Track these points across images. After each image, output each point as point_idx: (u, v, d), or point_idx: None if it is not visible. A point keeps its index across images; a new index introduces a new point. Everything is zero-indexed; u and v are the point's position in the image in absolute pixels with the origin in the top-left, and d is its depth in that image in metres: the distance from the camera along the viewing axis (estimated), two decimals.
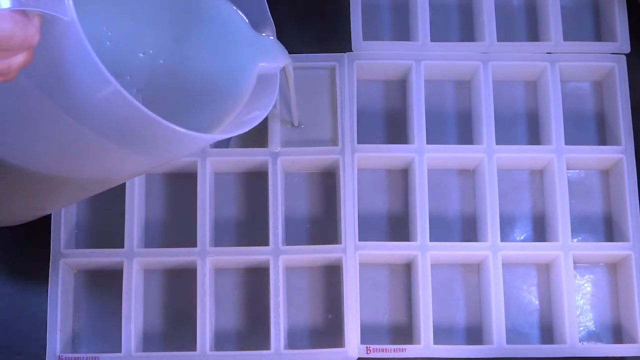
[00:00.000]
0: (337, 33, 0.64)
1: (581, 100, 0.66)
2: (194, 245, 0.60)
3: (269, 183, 0.61)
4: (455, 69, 0.64)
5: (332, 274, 0.62)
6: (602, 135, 0.65)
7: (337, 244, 0.61)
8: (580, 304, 0.62)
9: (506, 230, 0.63)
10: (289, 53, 0.63)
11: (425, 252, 0.60)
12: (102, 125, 0.39)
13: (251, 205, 0.63)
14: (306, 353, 0.59)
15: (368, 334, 0.61)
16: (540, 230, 0.64)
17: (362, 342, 0.59)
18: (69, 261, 0.60)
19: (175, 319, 0.61)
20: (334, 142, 0.62)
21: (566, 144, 0.63)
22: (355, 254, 0.60)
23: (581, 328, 0.62)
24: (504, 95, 0.65)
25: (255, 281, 0.62)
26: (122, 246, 0.60)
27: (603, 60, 0.64)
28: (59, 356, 0.59)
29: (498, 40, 0.64)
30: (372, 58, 0.63)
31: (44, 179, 0.44)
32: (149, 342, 0.61)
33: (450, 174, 0.64)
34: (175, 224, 0.63)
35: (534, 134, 0.65)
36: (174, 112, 0.46)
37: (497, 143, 0.62)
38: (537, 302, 0.63)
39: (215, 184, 0.63)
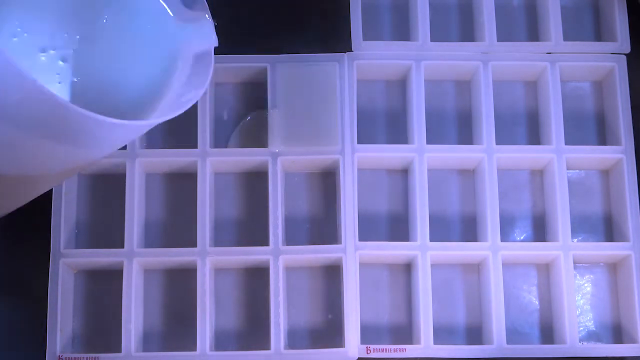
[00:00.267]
0: (337, 33, 0.64)
1: (581, 100, 0.66)
2: (194, 245, 0.60)
3: (269, 183, 0.61)
4: (455, 69, 0.64)
5: (332, 274, 0.62)
6: (602, 135, 0.65)
7: (337, 244, 0.61)
8: (580, 304, 0.62)
9: (506, 230, 0.63)
10: (289, 53, 0.64)
11: (425, 252, 0.60)
12: (28, 123, 0.38)
13: (251, 205, 0.63)
14: (306, 353, 0.59)
15: (368, 334, 0.61)
16: (540, 230, 0.64)
17: (362, 342, 0.59)
18: (69, 261, 0.60)
19: (175, 319, 0.61)
20: (333, 142, 0.62)
21: (566, 144, 0.63)
22: (355, 254, 0.60)
23: (581, 328, 0.62)
24: (504, 95, 0.65)
25: (255, 281, 0.62)
26: (122, 246, 0.60)
27: (603, 60, 0.64)
28: (59, 356, 0.59)
29: (498, 40, 0.64)
30: (372, 58, 0.63)
31: None
32: (149, 342, 0.61)
33: (450, 174, 0.64)
34: (175, 224, 0.63)
35: (534, 134, 0.65)
36: (104, 102, 0.46)
37: (497, 143, 0.62)
38: (537, 302, 0.63)
39: (215, 184, 0.63)
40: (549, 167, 0.63)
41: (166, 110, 0.46)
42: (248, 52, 0.63)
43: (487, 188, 0.62)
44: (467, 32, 0.66)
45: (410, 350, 0.59)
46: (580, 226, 0.64)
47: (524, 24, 0.67)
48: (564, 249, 0.61)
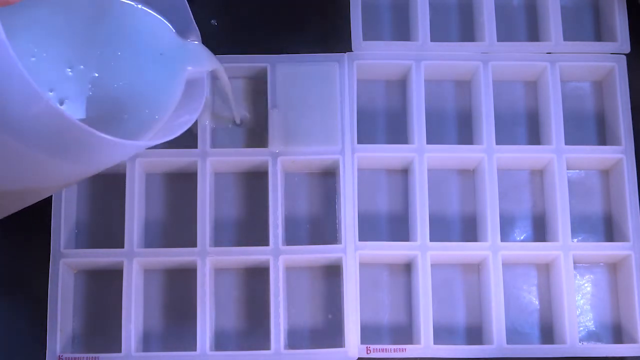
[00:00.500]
0: (337, 33, 0.64)
1: (581, 100, 0.66)
2: (194, 245, 0.60)
3: (269, 183, 0.61)
4: (455, 69, 0.64)
5: (332, 274, 0.62)
6: (602, 135, 0.65)
7: (337, 244, 0.61)
8: (580, 304, 0.62)
9: (506, 230, 0.63)
10: (289, 53, 0.64)
11: (425, 252, 0.60)
12: (35, 138, 0.40)
13: (251, 205, 0.63)
14: (306, 353, 0.59)
15: (368, 334, 0.61)
16: (540, 230, 0.64)
17: (362, 342, 0.59)
18: (69, 261, 0.60)
19: (175, 319, 0.61)
20: (333, 142, 0.62)
21: (566, 144, 0.63)
22: (355, 254, 0.60)
23: (581, 328, 0.62)
24: (504, 95, 0.65)
25: (255, 281, 0.62)
26: (122, 246, 0.60)
27: (603, 60, 0.64)
28: (59, 356, 0.59)
29: (498, 40, 0.64)
30: (372, 58, 0.63)
31: None
32: (149, 342, 0.61)
33: (450, 174, 0.64)
34: (175, 224, 0.63)
35: (534, 134, 0.65)
36: (105, 122, 0.48)
37: (497, 143, 0.62)
38: (537, 302, 0.63)
39: (215, 184, 0.63)
40: (549, 167, 0.63)
41: (162, 133, 0.49)
42: (248, 52, 0.63)
43: (487, 188, 0.62)
44: (467, 32, 0.66)
45: (410, 350, 0.59)
46: (580, 226, 0.64)
47: (524, 24, 0.67)
48: (564, 249, 0.61)
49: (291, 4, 0.66)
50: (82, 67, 0.50)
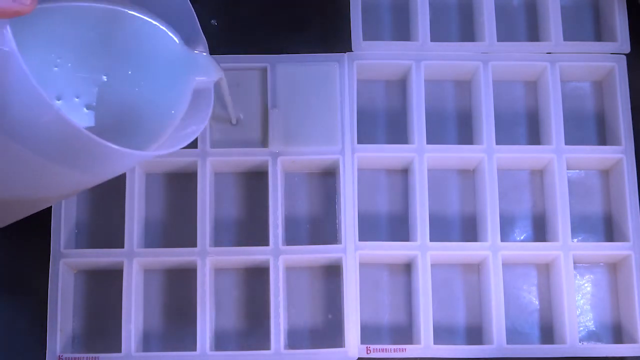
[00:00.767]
0: (337, 33, 0.64)
1: (581, 100, 0.66)
2: (194, 245, 0.60)
3: (269, 183, 0.61)
4: (455, 69, 0.64)
5: (332, 274, 0.62)
6: (602, 135, 0.65)
7: (337, 244, 0.61)
8: (580, 304, 0.62)
9: (506, 230, 0.63)
10: (289, 53, 0.64)
11: (425, 252, 0.60)
12: (45, 147, 0.41)
13: (251, 205, 0.63)
14: (306, 353, 0.59)
15: (368, 334, 0.61)
16: (540, 230, 0.64)
17: (362, 342, 0.59)
18: (69, 261, 0.60)
19: (175, 319, 0.61)
20: (333, 142, 0.62)
21: (566, 144, 0.63)
22: (355, 254, 0.60)
23: (581, 328, 0.62)
24: (504, 95, 0.65)
25: (255, 281, 0.62)
26: (122, 246, 0.60)
27: (603, 60, 0.64)
28: (59, 356, 0.59)
29: (498, 40, 0.64)
30: (372, 58, 0.63)
31: None
32: (149, 342, 0.61)
33: (450, 174, 0.64)
34: (175, 224, 0.63)
35: (534, 134, 0.65)
36: (115, 131, 0.50)
37: (497, 143, 0.62)
38: (537, 302, 0.63)
39: (215, 184, 0.63)
40: (549, 167, 0.63)
41: (169, 142, 0.50)
42: (248, 52, 0.63)
43: (487, 188, 0.62)
44: (467, 32, 0.66)
45: (410, 350, 0.59)
46: (580, 226, 0.64)
47: (524, 24, 0.67)
48: (564, 249, 0.61)
49: (291, 4, 0.66)
50: (104, 78, 0.51)
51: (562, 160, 0.62)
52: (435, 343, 0.59)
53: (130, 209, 0.60)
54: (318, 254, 0.61)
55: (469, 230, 0.63)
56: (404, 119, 0.65)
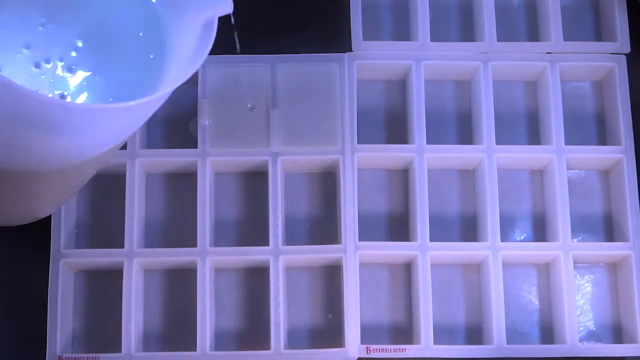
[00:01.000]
0: (337, 33, 0.64)
1: (581, 100, 0.66)
2: (194, 245, 0.60)
3: (269, 183, 0.61)
4: (455, 69, 0.64)
5: (332, 274, 0.62)
6: (602, 135, 0.65)
7: (337, 244, 0.61)
8: (580, 304, 0.62)
9: (506, 230, 0.63)
10: (289, 53, 0.64)
11: (425, 252, 0.60)
12: (8, 116, 0.40)
13: (251, 205, 0.63)
14: (306, 353, 0.59)
15: (368, 334, 0.61)
16: (540, 230, 0.64)
17: (362, 342, 0.59)
18: (69, 261, 0.60)
19: (175, 319, 0.61)
20: (333, 142, 0.62)
21: (566, 144, 0.63)
22: (355, 254, 0.60)
23: (581, 328, 0.62)
24: (504, 95, 0.65)
25: (255, 281, 0.62)
26: (122, 246, 0.60)
27: (603, 60, 0.64)
28: (59, 356, 0.59)
29: (498, 40, 0.64)
30: (372, 58, 0.63)
31: None
32: (149, 342, 0.61)
33: (450, 174, 0.64)
34: (175, 224, 0.63)
35: (534, 134, 0.65)
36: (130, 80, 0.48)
37: (497, 143, 0.62)
38: (537, 302, 0.63)
39: (215, 184, 0.63)
40: (549, 167, 0.63)
41: (169, 81, 0.47)
42: (248, 52, 0.63)
43: (487, 188, 0.62)
44: (467, 32, 0.66)
45: (410, 350, 0.59)
46: (580, 226, 0.64)
47: (524, 24, 0.67)
48: (564, 249, 0.61)
49: (291, 4, 0.66)
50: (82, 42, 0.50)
51: (562, 160, 0.62)
52: (435, 343, 0.59)
53: (130, 209, 0.60)
54: (318, 254, 0.61)
55: (469, 230, 0.63)
56: (404, 119, 0.65)
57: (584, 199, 0.64)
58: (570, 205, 0.62)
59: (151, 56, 0.50)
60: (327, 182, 0.64)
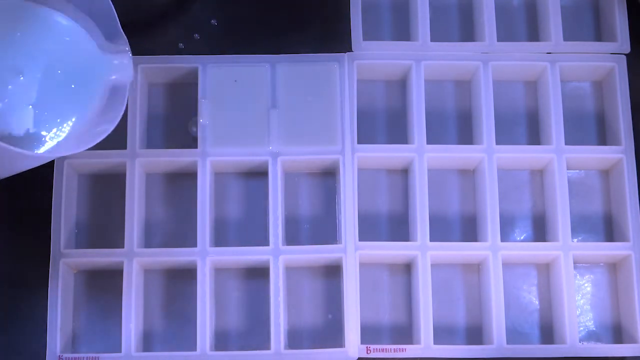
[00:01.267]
0: (337, 33, 0.64)
1: (581, 100, 0.66)
2: (194, 245, 0.60)
3: (269, 183, 0.61)
4: (455, 69, 0.64)
5: (332, 274, 0.62)
6: (602, 135, 0.65)
7: (337, 244, 0.61)
8: (580, 304, 0.62)
9: (506, 230, 0.63)
10: (289, 53, 0.64)
11: (425, 252, 0.60)
12: None
13: (251, 205, 0.63)
14: (306, 353, 0.59)
15: (368, 334, 0.61)
16: (540, 230, 0.64)
17: (362, 342, 0.59)
18: (69, 261, 0.60)
19: (175, 319, 0.61)
20: (333, 142, 0.62)
21: (566, 144, 0.63)
22: (355, 254, 0.60)
23: (581, 328, 0.62)
24: (504, 95, 0.65)
25: (255, 281, 0.62)
26: (122, 246, 0.60)
27: (603, 60, 0.64)
28: (59, 356, 0.59)
29: (498, 40, 0.64)
30: (372, 58, 0.63)
31: None
32: (149, 342, 0.61)
33: (450, 174, 0.64)
34: (175, 224, 0.63)
35: (534, 134, 0.65)
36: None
37: (497, 143, 0.62)
38: (537, 302, 0.63)
39: (215, 184, 0.63)
40: (549, 167, 0.63)
41: (79, 141, 0.50)
42: (248, 52, 0.63)
43: (487, 188, 0.62)
44: (467, 32, 0.66)
45: (410, 350, 0.59)
46: (580, 226, 0.64)
47: (524, 24, 0.67)
48: (564, 249, 0.61)
49: (291, 4, 0.66)
50: (21, 77, 0.52)
51: (562, 160, 0.62)
52: (435, 343, 0.59)
53: (130, 209, 0.60)
54: (318, 254, 0.61)
55: (469, 230, 0.63)
56: (404, 119, 0.65)
57: (584, 199, 0.64)
58: (570, 205, 0.62)
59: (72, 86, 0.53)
60: (327, 182, 0.64)
